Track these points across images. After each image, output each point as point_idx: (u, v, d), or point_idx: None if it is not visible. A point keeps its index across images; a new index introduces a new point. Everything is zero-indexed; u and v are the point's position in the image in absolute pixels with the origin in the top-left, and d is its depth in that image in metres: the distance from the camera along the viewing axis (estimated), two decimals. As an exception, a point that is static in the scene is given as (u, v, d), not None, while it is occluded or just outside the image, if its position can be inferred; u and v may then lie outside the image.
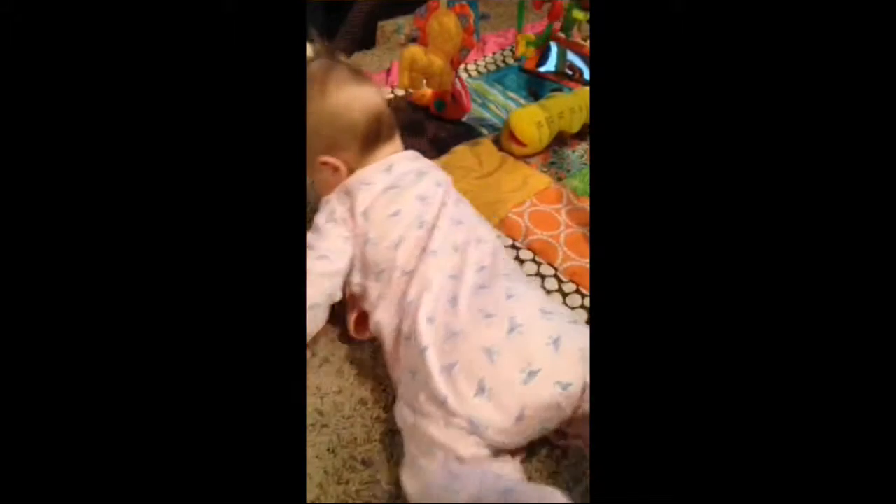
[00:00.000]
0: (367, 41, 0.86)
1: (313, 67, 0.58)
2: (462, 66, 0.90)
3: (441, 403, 0.43)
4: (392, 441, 0.52)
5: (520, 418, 0.43)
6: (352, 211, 0.55)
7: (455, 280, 0.50)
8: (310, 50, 0.60)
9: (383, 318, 0.52)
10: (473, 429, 0.43)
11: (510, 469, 0.45)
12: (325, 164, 0.58)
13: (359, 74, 0.60)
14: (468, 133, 0.94)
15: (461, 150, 0.89)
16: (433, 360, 0.45)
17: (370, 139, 0.58)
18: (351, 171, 0.59)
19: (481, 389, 0.43)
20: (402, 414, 0.47)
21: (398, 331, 0.51)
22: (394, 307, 0.52)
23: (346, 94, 0.57)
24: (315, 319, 0.54)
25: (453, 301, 0.49)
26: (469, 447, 0.43)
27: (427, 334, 0.46)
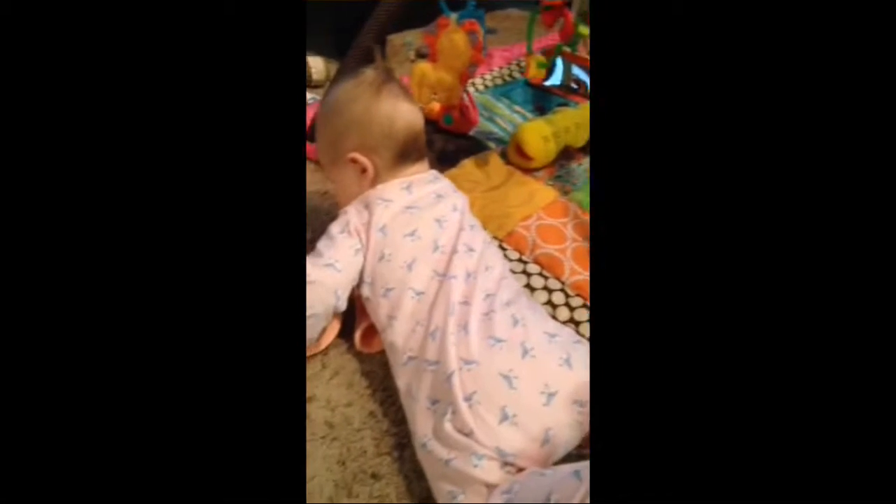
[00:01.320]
0: (371, 60, 0.88)
1: (370, 74, 0.61)
2: (469, 81, 0.91)
3: (468, 434, 0.43)
4: (402, 455, 0.53)
5: (545, 441, 0.43)
6: (368, 225, 0.56)
7: (466, 306, 0.51)
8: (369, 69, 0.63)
9: (397, 339, 0.52)
10: (501, 458, 0.43)
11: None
12: (354, 161, 0.59)
13: (409, 94, 0.62)
14: (475, 147, 0.95)
15: (468, 164, 0.90)
16: (458, 388, 0.45)
17: (403, 154, 0.60)
18: (376, 176, 0.60)
19: (504, 417, 0.43)
20: (432, 448, 0.45)
21: (416, 354, 0.51)
22: (409, 328, 0.52)
23: (396, 105, 0.59)
24: (313, 327, 0.55)
25: (465, 329, 0.49)
26: (496, 473, 0.42)
27: (454, 360, 0.46)
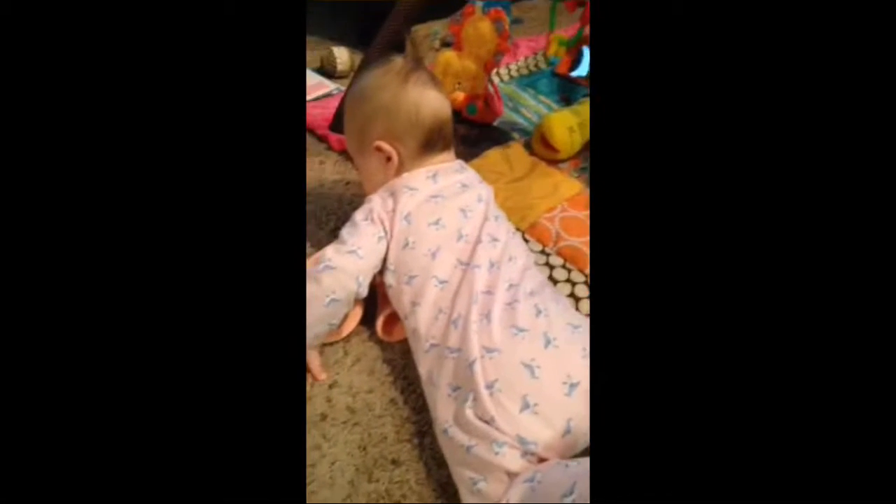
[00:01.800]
0: (400, 45, 0.88)
1: (398, 62, 0.61)
2: (494, 71, 0.90)
3: (489, 421, 0.43)
4: (422, 443, 0.53)
5: (566, 431, 0.43)
6: (393, 212, 0.57)
7: (489, 296, 0.51)
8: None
9: (419, 326, 0.52)
10: (522, 446, 0.43)
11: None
12: (379, 149, 0.59)
13: (437, 82, 0.62)
14: (499, 137, 0.94)
15: (492, 154, 0.89)
16: (480, 375, 0.45)
17: (428, 143, 0.60)
18: (402, 164, 0.60)
19: (526, 405, 0.43)
20: (453, 434, 0.46)
21: (438, 341, 0.51)
22: (432, 315, 0.52)
23: (423, 93, 0.59)
24: (335, 313, 0.55)
25: (487, 317, 0.49)
26: (518, 461, 0.43)
27: (476, 348, 0.47)
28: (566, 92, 1.07)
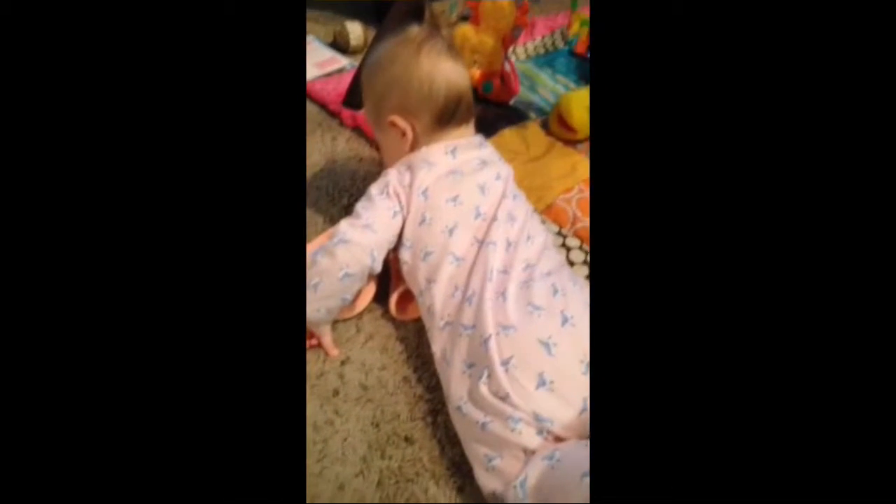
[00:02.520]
0: (419, 15, 0.85)
1: (413, 32, 0.58)
2: (511, 49, 0.87)
3: (504, 398, 0.43)
4: (435, 421, 0.53)
5: (584, 410, 0.42)
6: (410, 187, 0.55)
7: (504, 275, 0.50)
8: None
9: (435, 303, 0.51)
10: (538, 423, 0.42)
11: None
12: (392, 124, 0.58)
13: (454, 51, 0.59)
14: (515, 116, 0.92)
15: (508, 134, 0.87)
16: (495, 352, 0.44)
17: (444, 116, 0.57)
18: (416, 140, 0.58)
19: (542, 382, 0.43)
20: (467, 411, 0.45)
21: (453, 319, 0.50)
22: (448, 293, 0.51)
23: (437, 65, 0.56)
24: (349, 288, 0.54)
25: (503, 295, 0.48)
26: (534, 439, 0.42)
27: (491, 325, 0.46)
28: (585, 71, 1.05)
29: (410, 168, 0.56)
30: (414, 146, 0.58)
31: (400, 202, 0.55)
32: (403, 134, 0.58)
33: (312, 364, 0.57)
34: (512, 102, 0.94)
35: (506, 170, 0.60)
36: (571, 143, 0.87)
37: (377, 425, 0.52)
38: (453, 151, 0.57)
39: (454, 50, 0.59)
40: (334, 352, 0.57)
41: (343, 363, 0.57)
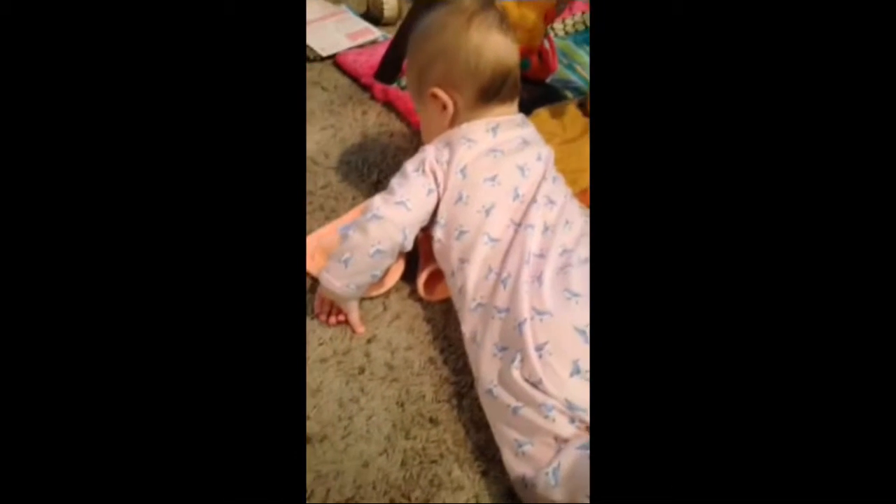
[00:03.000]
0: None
1: (465, 1, 0.55)
2: (553, 21, 0.84)
3: (536, 384, 0.42)
4: (460, 404, 0.52)
5: None
6: (449, 164, 0.53)
7: (541, 259, 0.48)
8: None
9: (467, 283, 0.50)
10: (571, 411, 0.41)
11: None
12: (434, 96, 0.56)
13: (506, 26, 0.56)
14: (552, 95, 0.89)
15: (543, 113, 0.84)
16: (529, 337, 0.43)
17: (489, 92, 0.55)
18: (457, 114, 0.56)
19: (576, 370, 0.42)
20: (498, 394, 0.45)
21: (486, 300, 0.49)
22: (482, 274, 0.50)
23: (486, 38, 0.54)
24: (379, 264, 0.53)
25: (539, 280, 0.47)
26: (567, 427, 0.41)
27: (527, 309, 0.45)
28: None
29: (449, 145, 0.55)
30: (454, 121, 0.56)
31: (436, 180, 0.54)
32: (444, 107, 0.56)
33: (339, 340, 0.56)
34: (548, 81, 0.90)
35: (546, 151, 0.58)
36: (609, 125, 0.83)
37: (402, 405, 0.52)
38: (494, 129, 0.55)
39: (507, 24, 0.56)
40: (361, 328, 0.57)
41: (369, 341, 0.57)
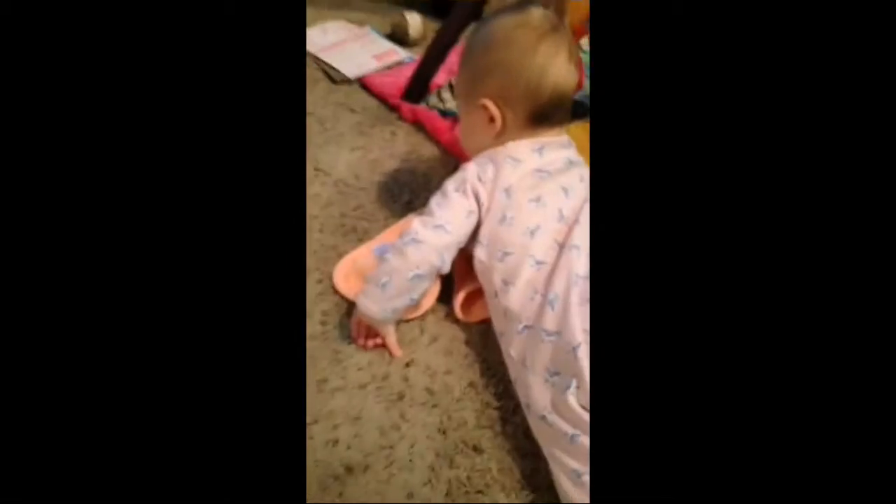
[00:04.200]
0: (478, 13, 0.83)
1: (536, 16, 0.53)
2: (577, 41, 0.83)
3: None
4: (503, 430, 0.50)
5: None
6: (494, 183, 0.53)
7: (588, 281, 0.47)
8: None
9: (512, 305, 0.49)
10: None
11: None
12: (484, 107, 0.54)
13: (572, 49, 0.54)
14: (580, 111, 0.88)
15: (574, 129, 0.83)
16: (585, 363, 0.42)
17: (541, 116, 0.54)
18: (504, 131, 0.55)
19: None
20: (553, 421, 0.43)
21: (532, 322, 0.48)
22: (527, 296, 0.49)
23: (552, 62, 0.52)
24: (416, 288, 0.53)
25: (588, 302, 0.45)
26: None
27: (579, 332, 0.43)
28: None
29: (494, 162, 0.54)
30: (500, 137, 0.55)
31: (478, 200, 0.53)
32: (492, 120, 0.55)
33: (377, 365, 0.56)
34: (576, 97, 0.90)
35: (588, 171, 0.56)
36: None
37: (444, 432, 0.50)
38: (540, 150, 0.54)
39: (573, 47, 0.55)
40: (398, 352, 0.56)
41: (407, 365, 0.56)
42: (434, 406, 0.52)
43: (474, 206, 0.53)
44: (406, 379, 0.55)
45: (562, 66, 0.53)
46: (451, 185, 0.54)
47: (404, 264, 0.51)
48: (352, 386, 0.54)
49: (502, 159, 0.53)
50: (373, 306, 0.53)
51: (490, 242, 0.52)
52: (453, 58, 0.86)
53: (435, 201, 0.54)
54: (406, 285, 0.52)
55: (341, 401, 0.52)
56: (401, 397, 0.53)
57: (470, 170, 0.54)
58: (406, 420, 0.51)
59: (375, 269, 0.54)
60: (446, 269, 0.53)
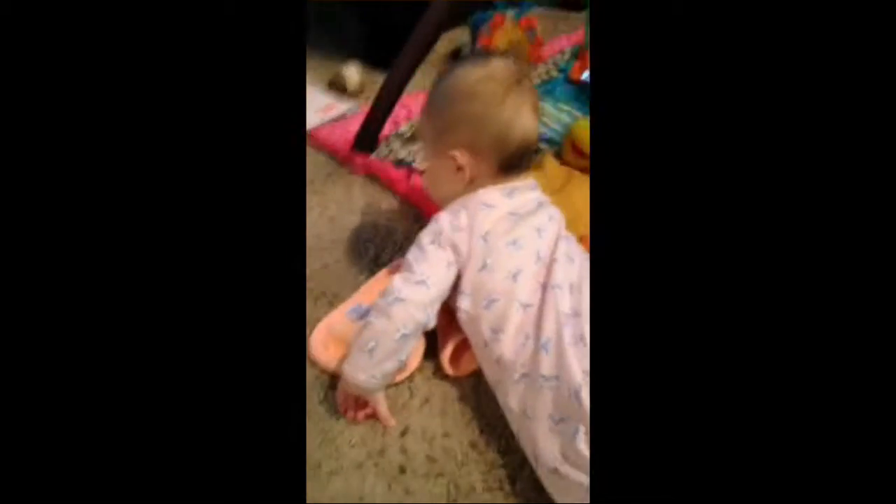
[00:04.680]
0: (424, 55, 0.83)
1: (500, 69, 0.54)
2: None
3: None
4: (514, 489, 0.48)
5: None
6: (470, 231, 0.52)
7: (577, 318, 0.47)
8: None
9: (505, 353, 0.48)
10: None
11: None
12: (452, 158, 0.54)
13: (536, 100, 0.56)
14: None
15: (545, 160, 0.86)
16: (588, 402, 0.41)
17: (509, 166, 0.55)
18: (472, 180, 0.55)
19: None
20: (566, 472, 0.42)
21: (528, 369, 0.47)
22: (518, 342, 0.48)
23: (518, 114, 0.54)
24: (404, 348, 0.51)
25: (582, 339, 0.45)
26: None
27: (578, 373, 0.43)
28: (585, 97, 1.05)
29: (467, 209, 0.53)
30: (468, 186, 0.55)
31: (456, 250, 0.52)
32: (459, 169, 0.55)
33: (371, 439, 0.52)
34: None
35: (555, 210, 0.57)
36: (587, 170, 0.85)
37: (453, 502, 0.47)
38: (510, 193, 0.55)
39: (536, 97, 0.56)
40: (391, 421, 0.53)
41: (403, 434, 0.53)
42: (438, 475, 0.49)
43: (452, 258, 0.52)
44: (404, 450, 0.51)
45: (527, 117, 0.55)
46: (426, 238, 0.53)
47: (390, 325, 0.49)
48: (348, 466, 0.50)
49: (475, 206, 0.53)
50: (360, 374, 0.50)
51: (474, 291, 0.51)
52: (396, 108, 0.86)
53: (412, 256, 0.53)
54: (394, 346, 0.49)
55: (339, 485, 0.48)
56: (402, 471, 0.50)
57: (443, 220, 0.53)
58: (410, 494, 0.48)
59: (359, 335, 0.51)
60: (432, 324, 0.52)
